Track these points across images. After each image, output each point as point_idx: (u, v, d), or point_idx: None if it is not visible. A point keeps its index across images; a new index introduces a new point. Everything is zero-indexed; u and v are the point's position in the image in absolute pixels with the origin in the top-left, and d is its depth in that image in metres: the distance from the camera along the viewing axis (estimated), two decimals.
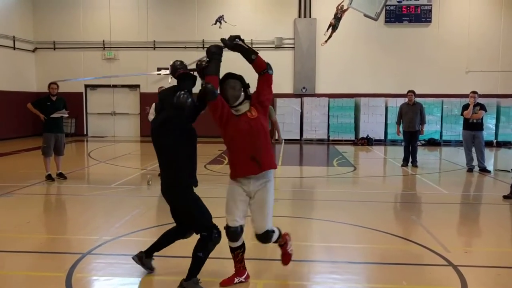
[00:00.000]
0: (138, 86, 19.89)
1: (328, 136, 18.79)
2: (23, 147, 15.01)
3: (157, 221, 6.60)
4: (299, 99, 18.99)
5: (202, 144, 16.83)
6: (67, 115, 9.56)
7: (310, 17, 19.29)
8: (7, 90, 17.70)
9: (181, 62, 5.60)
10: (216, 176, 10.10)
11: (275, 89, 17.11)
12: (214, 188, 8.67)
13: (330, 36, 14.38)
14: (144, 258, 4.28)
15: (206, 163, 11.94)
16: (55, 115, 9.16)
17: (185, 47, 19.42)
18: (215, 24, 20.11)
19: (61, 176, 9.39)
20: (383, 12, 16.26)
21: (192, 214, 3.96)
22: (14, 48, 18.51)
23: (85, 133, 20.12)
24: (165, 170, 4.04)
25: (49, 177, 9.19)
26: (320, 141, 18.60)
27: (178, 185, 3.93)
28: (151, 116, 9.79)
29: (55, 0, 19.59)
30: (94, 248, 5.10)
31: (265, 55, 18.53)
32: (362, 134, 18.35)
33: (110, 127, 20.36)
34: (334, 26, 14.11)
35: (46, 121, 9.16)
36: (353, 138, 18.53)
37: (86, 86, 20.07)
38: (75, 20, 19.68)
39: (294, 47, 19.36)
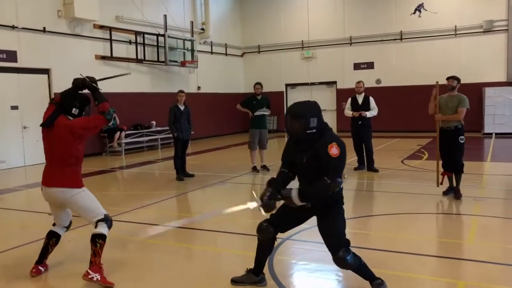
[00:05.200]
0: (335, 82, 20.26)
1: None
2: (233, 142, 16.79)
3: (354, 213, 6.67)
4: None
5: (400, 138, 16.32)
6: (268, 113, 10.35)
7: None
8: (222, 92, 20.00)
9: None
10: (413, 171, 9.69)
11: (483, 77, 15.55)
12: (411, 184, 8.41)
13: None
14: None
15: (403, 158, 11.52)
16: (258, 112, 10.02)
17: (382, 40, 19.03)
18: (414, 13, 19.35)
19: (264, 168, 10.23)
20: None
21: None
22: (226, 54, 20.80)
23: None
24: None
25: (254, 169, 10.12)
26: None
27: None
28: (347, 111, 9.95)
29: (260, 8, 21.32)
30: (293, 234, 5.43)
31: (472, 41, 17.04)
32: None
33: None
34: None
35: (252, 118, 10.10)
36: None
37: (287, 85, 21.31)
38: (277, 24, 21.08)
39: (507, 29, 17.17)
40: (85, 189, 4.25)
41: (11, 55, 11.86)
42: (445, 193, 7.29)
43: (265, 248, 3.88)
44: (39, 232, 5.93)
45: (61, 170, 4.14)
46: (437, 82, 7.27)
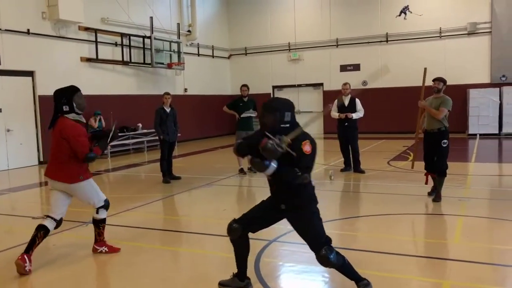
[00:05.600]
0: (321, 84, 20.35)
1: None
2: (220, 144, 16.75)
3: (340, 214, 6.70)
4: (497, 89, 17.01)
5: (386, 140, 16.44)
6: (255, 115, 10.34)
7: None
8: (208, 94, 19.94)
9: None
10: (399, 172, 9.76)
11: (468, 79, 15.74)
12: (396, 185, 8.47)
13: None
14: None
15: (389, 159, 11.61)
16: (244, 114, 10.01)
17: (368, 42, 19.16)
18: (400, 15, 19.51)
19: (251, 170, 10.21)
20: None
21: None
22: (213, 56, 20.75)
23: None
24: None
25: (241, 171, 10.10)
26: None
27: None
28: (333, 113, 9.99)
29: (246, 10, 21.33)
30: (280, 236, 5.43)
31: (457, 43, 17.24)
32: None
33: None
34: None
35: (238, 120, 10.09)
36: None
37: (274, 87, 21.34)
38: (263, 26, 21.11)
39: (491, 32, 17.42)
40: (87, 181, 4.70)
41: None
42: (430, 193, 7.32)
43: (241, 248, 3.87)
44: (23, 236, 5.85)
45: (56, 165, 4.62)
46: (425, 68, 7.33)
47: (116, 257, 4.93)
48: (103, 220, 4.94)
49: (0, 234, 6.27)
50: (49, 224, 4.62)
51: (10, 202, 8.56)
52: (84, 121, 4.83)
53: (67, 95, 4.61)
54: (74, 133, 4.51)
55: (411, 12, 17.42)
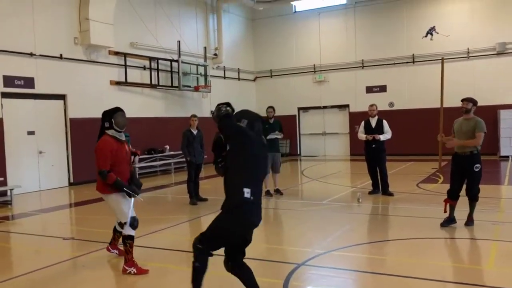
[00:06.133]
0: (347, 106, 20.28)
1: None
2: None
3: (369, 237, 6.58)
4: None
5: (414, 162, 16.17)
6: (281, 136, 10.35)
7: None
8: None
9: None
10: (428, 195, 9.56)
11: (498, 99, 15.36)
12: (427, 208, 8.28)
13: None
14: None
15: (418, 181, 11.39)
16: (270, 136, 10.03)
17: (394, 63, 19.07)
18: (426, 36, 19.33)
19: (278, 192, 10.18)
20: None
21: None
22: (238, 78, 20.99)
23: (298, 152, 21.38)
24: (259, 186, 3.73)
25: (267, 193, 10.07)
26: None
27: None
28: (360, 134, 9.92)
29: (272, 33, 21.58)
30: (308, 259, 5.37)
31: (486, 63, 16.99)
32: None
33: (321, 146, 21.17)
34: None
35: None
36: None
37: (299, 109, 21.37)
38: (289, 48, 21.29)
39: None
40: (114, 194, 5.05)
41: (29, 82, 12.11)
42: (442, 224, 6.79)
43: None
44: (53, 256, 5.95)
45: (97, 176, 5.09)
46: (442, 58, 7.07)
47: (144, 279, 4.94)
48: (129, 237, 5.06)
49: (30, 254, 6.39)
50: (118, 226, 5.42)
51: (41, 222, 8.73)
52: (123, 139, 5.16)
53: (109, 113, 5.12)
54: (101, 146, 4.98)
55: (437, 33, 17.11)
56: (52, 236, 7.26)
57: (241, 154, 3.55)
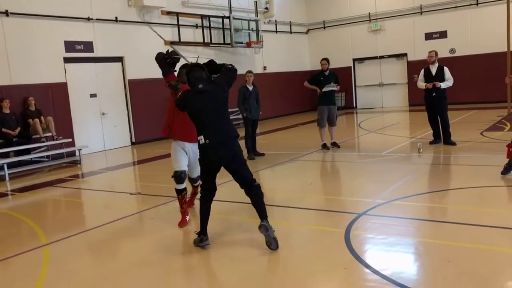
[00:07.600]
0: (405, 54, 19.45)
1: None
2: (301, 121, 16.71)
3: (430, 187, 6.45)
4: None
5: (478, 110, 15.44)
6: (337, 88, 10.14)
7: None
8: (288, 71, 19.89)
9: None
10: (494, 143, 9.14)
11: None
12: (492, 156, 7.94)
13: None
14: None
15: (482, 130, 10.90)
16: (326, 88, 9.86)
17: (456, 7, 17.93)
18: None
19: (334, 145, 10.11)
20: None
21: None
22: (290, 32, 20.58)
23: (354, 105, 20.95)
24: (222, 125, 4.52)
25: (324, 146, 10.02)
26: None
27: (236, 137, 4.55)
28: (420, 83, 9.55)
29: None
30: (368, 209, 5.37)
31: None
32: None
33: (378, 98, 20.60)
34: None
35: (320, 95, 9.97)
36: None
37: (354, 60, 20.77)
38: None
39: None
40: (173, 142, 5.32)
41: (88, 46, 12.51)
42: (503, 172, 6.51)
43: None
44: (122, 210, 6.32)
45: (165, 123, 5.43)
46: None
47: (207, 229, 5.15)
48: (175, 191, 5.35)
49: (100, 209, 6.81)
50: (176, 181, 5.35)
51: (108, 179, 9.23)
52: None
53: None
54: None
55: None
56: (119, 191, 7.67)
57: (188, 113, 4.59)
